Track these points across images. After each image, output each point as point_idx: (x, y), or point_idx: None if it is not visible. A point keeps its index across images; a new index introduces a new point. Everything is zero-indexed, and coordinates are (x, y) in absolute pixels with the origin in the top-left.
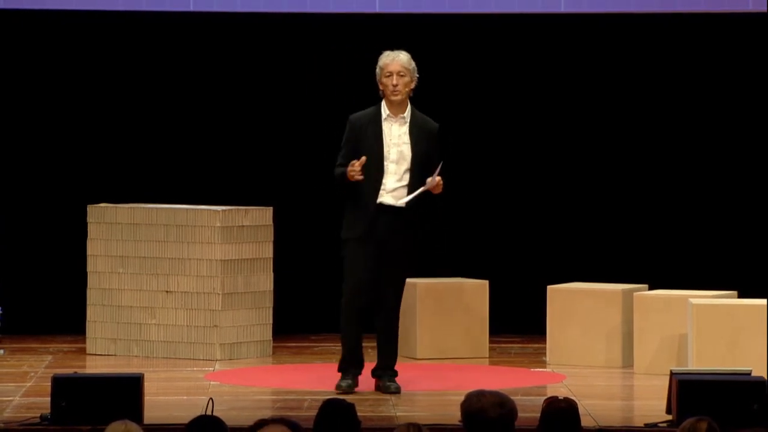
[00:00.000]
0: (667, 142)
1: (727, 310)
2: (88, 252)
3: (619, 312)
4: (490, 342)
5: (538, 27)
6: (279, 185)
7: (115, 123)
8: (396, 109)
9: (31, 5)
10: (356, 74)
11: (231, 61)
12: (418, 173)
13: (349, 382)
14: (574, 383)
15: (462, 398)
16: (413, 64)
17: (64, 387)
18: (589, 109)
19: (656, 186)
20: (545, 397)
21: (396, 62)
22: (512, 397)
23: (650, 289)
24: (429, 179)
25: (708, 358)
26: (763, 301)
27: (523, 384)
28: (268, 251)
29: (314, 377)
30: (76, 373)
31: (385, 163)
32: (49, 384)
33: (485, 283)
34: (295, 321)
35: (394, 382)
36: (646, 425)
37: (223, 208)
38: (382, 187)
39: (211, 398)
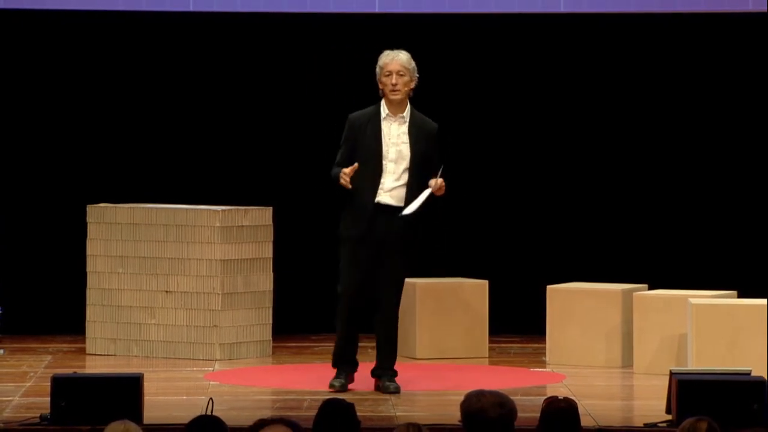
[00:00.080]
0: (667, 142)
1: (726, 310)
2: (88, 252)
3: (619, 312)
4: (490, 342)
5: (537, 27)
6: (279, 185)
7: (114, 123)
8: (395, 108)
9: (31, 5)
10: (356, 74)
11: (231, 61)
12: (417, 173)
13: (342, 381)
14: (574, 383)
15: (462, 398)
16: (413, 63)
17: (63, 387)
18: (589, 109)
19: (656, 186)
20: (545, 397)
21: (396, 61)
22: (512, 397)
23: (650, 289)
24: (432, 181)
25: (708, 358)
26: (762, 301)
27: (523, 384)
28: (267, 251)
29: (314, 377)
30: (75, 373)
31: (384, 163)
32: (49, 384)
33: (485, 283)
34: (294, 321)
35: (394, 382)
36: (646, 425)
37: (223, 208)
38: (380, 186)
39: (211, 398)
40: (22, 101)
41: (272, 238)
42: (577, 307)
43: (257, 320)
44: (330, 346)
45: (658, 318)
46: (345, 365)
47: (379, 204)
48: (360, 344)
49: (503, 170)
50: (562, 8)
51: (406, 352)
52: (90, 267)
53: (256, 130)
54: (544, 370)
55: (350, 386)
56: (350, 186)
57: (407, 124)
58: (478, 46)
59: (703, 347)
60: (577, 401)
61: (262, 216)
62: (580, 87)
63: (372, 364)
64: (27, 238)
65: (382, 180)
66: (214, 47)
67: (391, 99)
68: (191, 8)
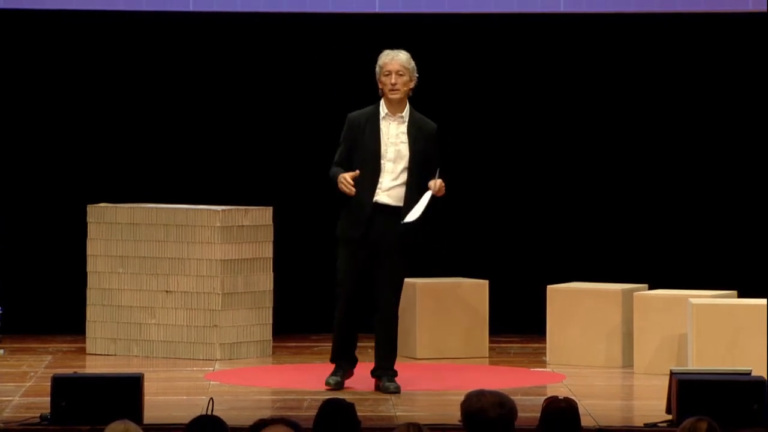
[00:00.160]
0: (667, 142)
1: (727, 309)
2: (88, 252)
3: (619, 312)
4: (490, 342)
5: (537, 27)
6: (279, 185)
7: (115, 123)
8: (394, 108)
9: (31, 5)
10: (356, 74)
11: (231, 61)
12: (416, 173)
13: (338, 379)
14: (574, 383)
15: (462, 398)
16: (413, 63)
17: (63, 387)
18: (589, 109)
19: (656, 186)
20: (545, 397)
21: (395, 61)
22: (512, 397)
23: (650, 288)
24: (431, 183)
25: (708, 358)
26: (763, 301)
27: (523, 384)
28: (267, 251)
29: (314, 377)
30: (75, 373)
31: (382, 162)
32: (49, 384)
33: (485, 282)
34: (294, 321)
35: (394, 382)
36: (646, 425)
37: (223, 207)
38: (378, 186)
39: (212, 398)
40: (23, 101)
41: (272, 238)
42: (578, 307)
43: (257, 320)
44: (329, 345)
45: (659, 318)
46: (342, 362)
47: (377, 204)
48: (360, 344)
49: (503, 170)
50: (562, 8)
51: (406, 352)
52: (90, 267)
53: (256, 130)
54: (545, 370)
55: (351, 386)
56: (354, 192)
57: (406, 123)
58: (478, 46)
59: (703, 347)
60: (577, 401)
61: (262, 216)
62: (580, 87)
63: (372, 364)
64: (27, 238)
65: (380, 179)
66: (214, 47)
67: (390, 98)
68: (191, 8)
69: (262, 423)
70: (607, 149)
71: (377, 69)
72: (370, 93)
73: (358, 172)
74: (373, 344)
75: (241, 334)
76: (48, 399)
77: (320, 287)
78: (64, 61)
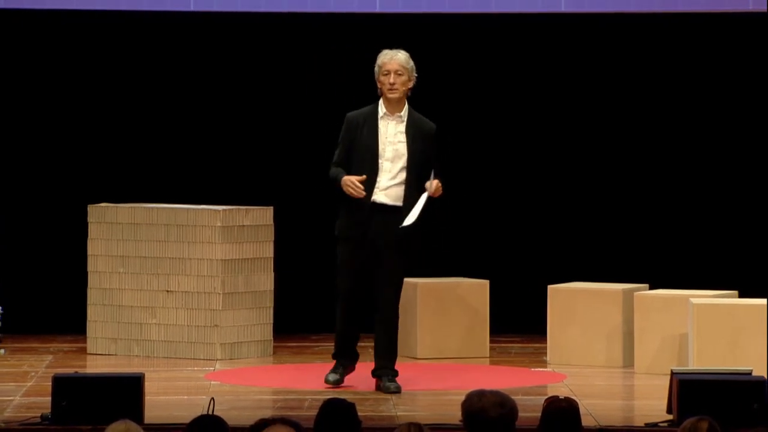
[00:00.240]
0: (668, 142)
1: (727, 309)
2: (89, 252)
3: (620, 312)
4: (491, 342)
5: (538, 27)
6: (279, 185)
7: (115, 123)
8: (393, 107)
9: (32, 5)
10: (356, 74)
11: (231, 60)
12: (415, 172)
13: (338, 377)
14: (575, 383)
15: (462, 398)
16: (411, 63)
17: (64, 387)
18: (590, 109)
19: (657, 186)
20: (546, 397)
21: (394, 61)
22: (513, 397)
23: (651, 288)
24: (427, 184)
25: (708, 358)
26: (763, 301)
27: (524, 384)
28: (268, 251)
29: (315, 377)
30: (76, 372)
31: (380, 161)
32: (50, 384)
33: (486, 282)
34: (295, 321)
35: (395, 381)
36: (647, 425)
37: (224, 207)
38: (376, 185)
39: (213, 398)
40: (23, 101)
41: (273, 238)
42: (578, 307)
43: (258, 320)
44: (330, 345)
45: (659, 318)
46: (343, 359)
47: (374, 203)
48: (360, 344)
49: (504, 170)
50: (563, 8)
51: (406, 352)
52: (91, 267)
53: (256, 130)
54: (545, 369)
55: (351, 386)
56: (364, 194)
57: (405, 123)
58: (479, 46)
59: (703, 347)
60: (578, 401)
61: (262, 216)
62: (581, 87)
63: (372, 364)
64: (28, 238)
65: (378, 179)
66: (214, 47)
67: (389, 98)
68: (192, 8)
69: (263, 423)
70: (608, 149)
71: (376, 68)
72: (370, 93)
73: (365, 177)
74: (373, 344)
75: (242, 333)
76: (49, 399)
77: (321, 287)
78: (64, 61)
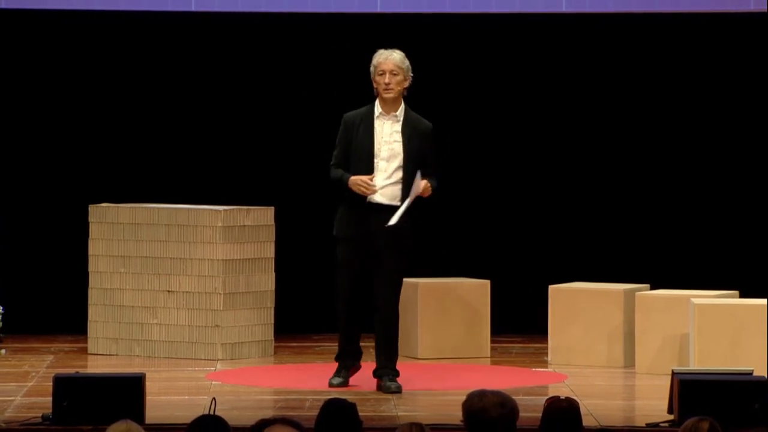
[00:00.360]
0: (669, 142)
1: (728, 309)
2: (90, 252)
3: (621, 312)
4: (492, 342)
5: (539, 27)
6: (280, 185)
7: (116, 123)
8: (389, 107)
9: (32, 5)
10: (357, 74)
11: (232, 61)
12: (411, 171)
13: (341, 379)
14: (576, 383)
15: (463, 398)
16: (407, 62)
17: (65, 387)
18: (591, 109)
19: (658, 186)
20: (547, 397)
21: (389, 61)
22: (514, 397)
23: (652, 288)
24: (414, 186)
25: (710, 358)
26: (764, 301)
27: (525, 384)
28: (269, 251)
29: (316, 377)
30: (77, 372)
31: (376, 161)
32: (51, 384)
33: (487, 282)
34: (296, 321)
35: (396, 381)
36: (648, 425)
37: (225, 207)
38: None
39: (214, 398)
40: (24, 101)
41: (274, 238)
42: (579, 307)
43: (259, 320)
44: (331, 345)
45: (660, 318)
46: (346, 360)
47: (370, 203)
48: (361, 344)
49: (505, 170)
50: (564, 8)
51: (407, 352)
52: (92, 267)
53: (257, 130)
54: (546, 369)
55: (353, 386)
56: (376, 191)
57: (401, 122)
58: (480, 46)
59: (705, 347)
60: (578, 401)
61: (263, 216)
62: (583, 87)
63: (373, 364)
64: (29, 238)
65: (374, 178)
66: (215, 47)
67: (384, 98)
68: (193, 8)
69: (264, 423)
70: (609, 149)
71: (371, 68)
72: (370, 93)
73: (373, 175)
74: (373, 344)
75: (243, 334)
76: (50, 399)
77: (321, 287)
78: (65, 61)
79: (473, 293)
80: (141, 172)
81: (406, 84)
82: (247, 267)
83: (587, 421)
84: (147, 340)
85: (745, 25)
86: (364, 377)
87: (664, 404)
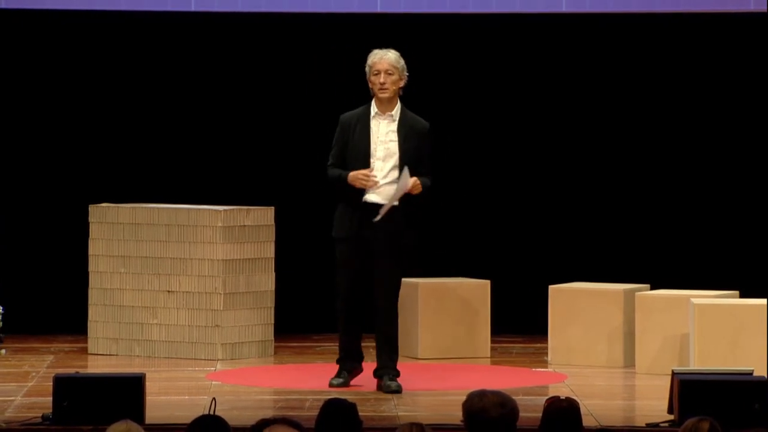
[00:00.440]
0: (669, 142)
1: (728, 309)
2: (90, 252)
3: (621, 312)
4: (492, 342)
5: (539, 27)
6: (280, 185)
7: (116, 123)
8: (384, 106)
9: (32, 5)
10: (357, 74)
11: (232, 61)
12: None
13: (341, 380)
14: (576, 383)
15: (463, 398)
16: (402, 62)
17: (65, 387)
18: (591, 109)
19: (658, 186)
20: (547, 397)
21: (384, 60)
22: (514, 397)
23: (652, 288)
24: (401, 181)
25: (710, 358)
26: (764, 301)
27: (525, 384)
28: (269, 251)
29: (316, 377)
30: (77, 372)
31: (372, 161)
32: (51, 384)
33: (487, 282)
34: (296, 321)
35: (396, 381)
36: (648, 425)
37: (225, 207)
38: None
39: (214, 398)
40: (24, 101)
41: (274, 238)
42: (579, 307)
43: (259, 320)
44: (332, 345)
45: (660, 318)
46: (346, 362)
47: (366, 203)
48: (362, 344)
49: (506, 170)
50: (564, 8)
51: (408, 352)
52: (92, 267)
53: (257, 130)
54: (546, 370)
55: (353, 386)
56: (378, 183)
57: (397, 122)
58: (480, 46)
59: (705, 347)
60: (578, 401)
61: (264, 216)
62: (583, 87)
63: (374, 364)
64: (29, 238)
65: None
66: (215, 47)
67: (380, 98)
68: (192, 8)
69: (264, 423)
70: (609, 149)
71: (366, 69)
72: (370, 93)
73: (372, 168)
74: (374, 344)
75: (243, 334)
76: (50, 399)
77: (322, 287)
78: (65, 61)
79: (473, 293)
80: (141, 172)
81: (402, 83)
82: (247, 267)
83: (587, 421)
84: (147, 340)
85: (745, 25)
86: (365, 377)
87: (664, 404)
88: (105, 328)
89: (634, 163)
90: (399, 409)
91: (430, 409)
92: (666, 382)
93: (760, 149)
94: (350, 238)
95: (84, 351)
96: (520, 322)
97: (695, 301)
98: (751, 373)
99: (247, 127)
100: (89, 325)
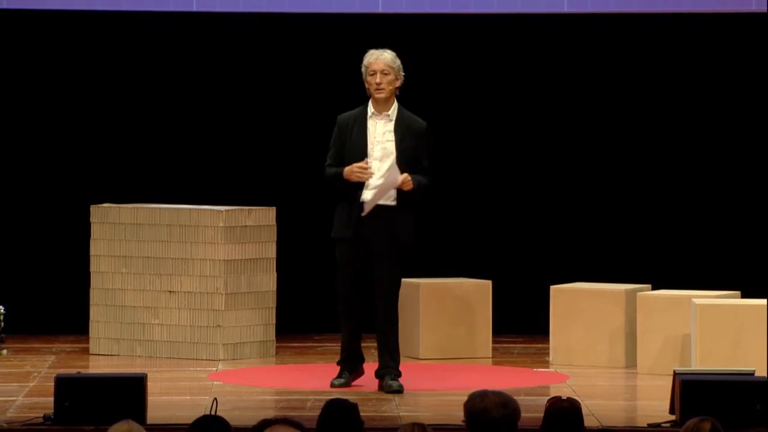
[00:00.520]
0: (670, 142)
1: (730, 310)
2: (92, 252)
3: (623, 312)
4: (493, 342)
5: (541, 27)
6: (282, 185)
7: (117, 123)
8: (381, 107)
9: (33, 5)
10: (358, 75)
11: (233, 61)
12: (406, 170)
13: (342, 380)
14: (577, 383)
15: (465, 398)
16: (398, 62)
17: (67, 387)
18: (593, 109)
19: (659, 186)
20: (548, 397)
21: (380, 61)
22: (515, 397)
23: (653, 289)
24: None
25: (711, 358)
26: (766, 301)
27: (526, 384)
28: (271, 251)
29: (317, 377)
30: (79, 373)
31: (369, 161)
32: (52, 384)
33: (488, 283)
34: (297, 321)
35: (397, 381)
36: (650, 425)
37: (226, 208)
38: (366, 185)
39: (216, 398)
40: (25, 101)
41: (275, 238)
42: (581, 308)
43: (260, 320)
44: (333, 346)
45: (662, 318)
46: (347, 362)
47: (363, 203)
48: (362, 344)
49: (507, 170)
50: (566, 8)
51: (409, 352)
52: (93, 267)
53: (258, 130)
54: (548, 370)
55: (354, 386)
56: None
57: (393, 122)
58: (481, 46)
59: (706, 347)
60: (580, 401)
61: (265, 216)
62: (584, 87)
63: (375, 365)
64: (30, 238)
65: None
66: (216, 47)
67: (376, 98)
68: (194, 8)
69: (266, 423)
70: (610, 149)
71: (363, 69)
72: None
73: (366, 160)
74: (375, 344)
75: (245, 334)
76: (51, 399)
77: (323, 287)
78: (66, 62)
79: (475, 293)
80: (143, 173)
81: (398, 83)
82: (249, 267)
83: (589, 422)
84: (149, 341)
85: (746, 25)
86: (366, 377)
87: (666, 404)
88: (106, 328)
89: (636, 163)
90: (400, 409)
91: (431, 410)
92: (667, 383)
93: (761, 149)
94: (350, 239)
95: (85, 351)
96: (521, 322)
97: (697, 301)
98: (753, 374)
99: (249, 127)
100: (91, 325)
